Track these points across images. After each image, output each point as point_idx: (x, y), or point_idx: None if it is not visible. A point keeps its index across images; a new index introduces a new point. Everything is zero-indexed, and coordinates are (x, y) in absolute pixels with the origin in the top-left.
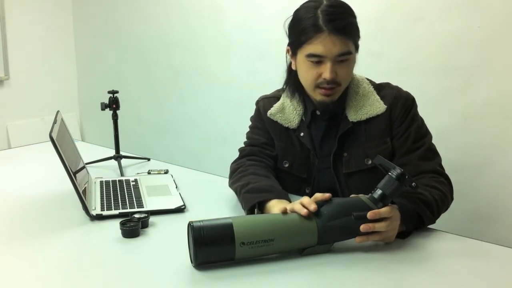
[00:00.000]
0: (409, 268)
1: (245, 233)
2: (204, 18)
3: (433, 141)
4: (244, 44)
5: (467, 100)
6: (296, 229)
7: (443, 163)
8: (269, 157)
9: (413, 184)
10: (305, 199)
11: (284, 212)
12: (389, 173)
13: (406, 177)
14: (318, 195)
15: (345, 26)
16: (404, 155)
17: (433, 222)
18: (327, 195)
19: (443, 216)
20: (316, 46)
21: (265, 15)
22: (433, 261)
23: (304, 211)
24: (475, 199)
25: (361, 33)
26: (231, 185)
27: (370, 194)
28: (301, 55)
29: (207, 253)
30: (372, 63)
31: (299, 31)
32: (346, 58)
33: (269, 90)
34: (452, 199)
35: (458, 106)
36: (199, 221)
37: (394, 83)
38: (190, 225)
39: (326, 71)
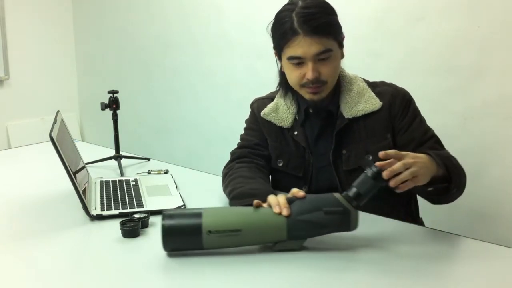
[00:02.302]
0: (409, 268)
1: (213, 222)
2: (204, 18)
3: None
4: (244, 44)
5: (467, 100)
6: (264, 221)
7: None
8: (261, 157)
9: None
10: (282, 199)
11: (257, 205)
12: (365, 171)
13: (382, 176)
14: (295, 191)
15: (319, 26)
16: (415, 148)
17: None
18: (302, 194)
19: (443, 216)
20: (294, 49)
21: (265, 15)
22: (433, 261)
23: (277, 209)
24: (475, 199)
25: (361, 33)
26: (223, 190)
27: (345, 192)
28: (284, 58)
29: (175, 240)
30: (372, 63)
31: (279, 35)
32: (326, 56)
33: (269, 90)
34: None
35: (458, 106)
36: (173, 209)
37: (394, 83)
38: (162, 213)
39: (308, 72)
